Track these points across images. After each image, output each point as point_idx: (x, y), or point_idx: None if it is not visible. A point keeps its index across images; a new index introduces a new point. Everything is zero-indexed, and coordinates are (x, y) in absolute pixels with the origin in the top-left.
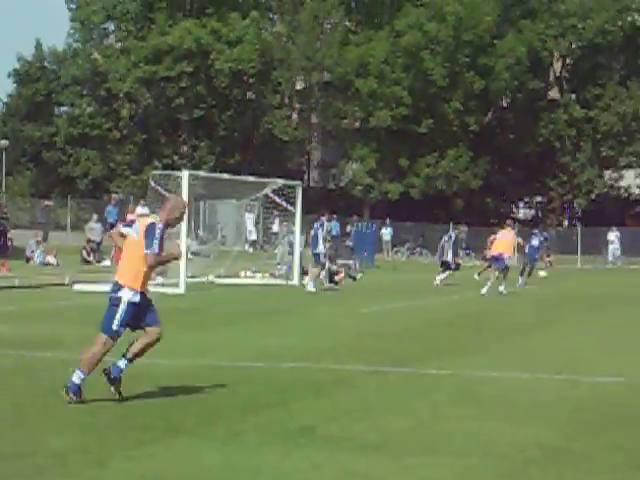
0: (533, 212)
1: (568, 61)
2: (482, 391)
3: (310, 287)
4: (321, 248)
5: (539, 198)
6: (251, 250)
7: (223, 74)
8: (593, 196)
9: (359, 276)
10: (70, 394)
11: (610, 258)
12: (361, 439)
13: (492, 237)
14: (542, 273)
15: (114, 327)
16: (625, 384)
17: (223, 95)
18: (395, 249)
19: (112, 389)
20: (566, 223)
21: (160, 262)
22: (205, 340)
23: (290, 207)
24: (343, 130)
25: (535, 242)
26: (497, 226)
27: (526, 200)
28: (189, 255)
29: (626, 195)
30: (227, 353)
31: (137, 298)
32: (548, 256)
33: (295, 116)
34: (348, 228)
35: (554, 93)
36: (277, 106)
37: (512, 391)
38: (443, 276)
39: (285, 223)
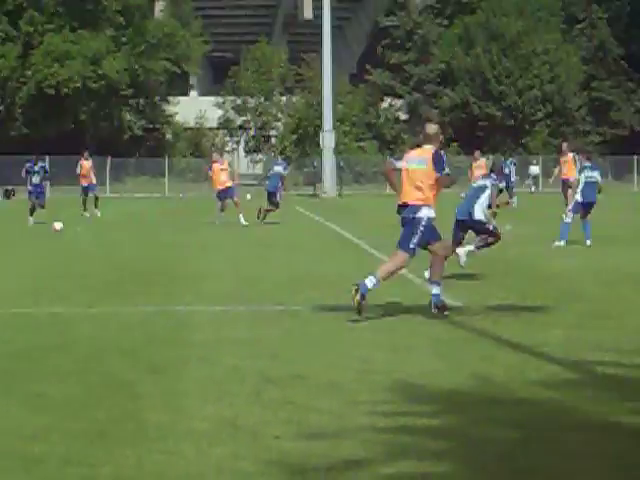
0: None
1: None
2: None
3: None
4: None
5: None
6: None
7: None
8: None
9: None
10: (359, 295)
11: None
12: None
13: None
14: None
15: (411, 245)
16: None
17: None
18: None
19: (443, 313)
20: None
21: (449, 183)
22: None
23: None
24: None
25: None
26: None
27: None
28: None
29: None
30: None
31: (433, 213)
32: None
33: None
34: None
35: None
36: None
37: None
38: None
39: None
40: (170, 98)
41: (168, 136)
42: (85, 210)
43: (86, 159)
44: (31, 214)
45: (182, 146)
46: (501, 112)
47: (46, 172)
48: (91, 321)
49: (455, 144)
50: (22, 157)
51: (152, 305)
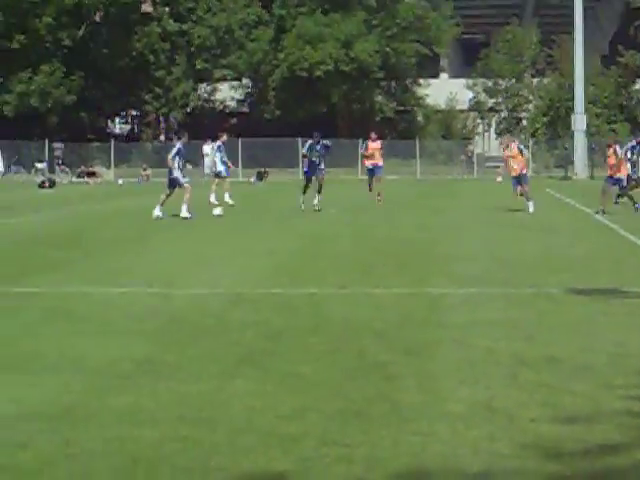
0: (129, 126)
1: None
2: (74, 307)
3: None
4: None
5: (134, 112)
6: None
7: None
8: (189, 109)
9: None
10: None
11: (206, 171)
12: None
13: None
14: None
15: None
16: (217, 295)
17: None
18: None
19: None
20: (163, 137)
21: None
22: None
23: None
24: None
25: None
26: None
27: (122, 114)
28: None
29: (221, 108)
30: None
31: None
32: (145, 170)
33: None
34: None
35: (147, 7)
36: None
37: (104, 306)
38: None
39: None
40: (421, 80)
41: (419, 118)
42: (378, 194)
43: (373, 140)
44: (304, 192)
45: (433, 128)
46: None
47: (327, 148)
48: (344, 302)
49: None
50: (276, 139)
51: (404, 286)
